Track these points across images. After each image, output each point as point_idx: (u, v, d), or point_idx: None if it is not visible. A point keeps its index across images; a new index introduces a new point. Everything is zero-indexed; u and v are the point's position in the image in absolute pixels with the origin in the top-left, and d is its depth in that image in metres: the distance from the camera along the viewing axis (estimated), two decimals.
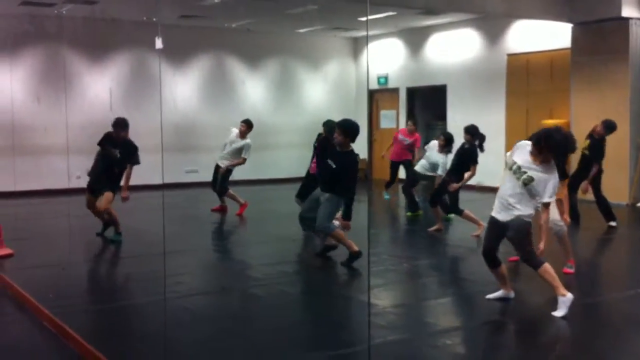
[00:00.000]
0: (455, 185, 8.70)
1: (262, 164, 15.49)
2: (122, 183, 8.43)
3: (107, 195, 8.36)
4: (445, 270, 7.47)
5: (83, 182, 13.32)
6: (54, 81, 14.05)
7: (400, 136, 12.18)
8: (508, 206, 5.35)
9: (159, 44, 5.26)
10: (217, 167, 11.05)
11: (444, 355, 4.63)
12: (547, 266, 5.35)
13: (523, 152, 5.33)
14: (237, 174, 16.01)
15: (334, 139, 7.14)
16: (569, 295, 5.25)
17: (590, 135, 9.35)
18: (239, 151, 10.95)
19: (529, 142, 5.32)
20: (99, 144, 8.57)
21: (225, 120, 15.88)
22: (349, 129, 7.05)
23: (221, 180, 10.89)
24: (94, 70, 14.58)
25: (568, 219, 6.79)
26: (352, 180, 7.06)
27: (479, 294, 6.06)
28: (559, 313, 5.24)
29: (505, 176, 5.40)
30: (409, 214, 10.71)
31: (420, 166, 10.30)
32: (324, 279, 6.95)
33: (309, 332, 5.18)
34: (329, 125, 8.27)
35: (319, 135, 9.35)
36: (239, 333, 5.03)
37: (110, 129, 8.55)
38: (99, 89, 14.57)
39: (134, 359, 4.50)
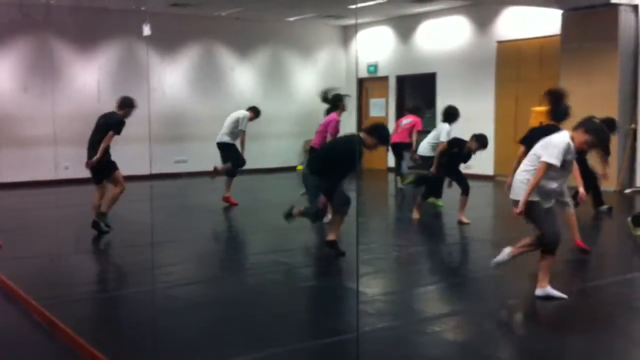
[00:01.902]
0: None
1: (251, 153, 15.36)
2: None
3: (118, 173, 8.31)
4: (436, 257, 7.48)
5: (71, 173, 13.35)
6: (41, 71, 13.93)
7: (402, 121, 12.44)
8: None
9: (146, 30, 5.20)
10: (224, 144, 10.77)
11: (433, 341, 4.64)
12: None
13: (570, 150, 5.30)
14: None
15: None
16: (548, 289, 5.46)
17: None
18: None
19: (567, 137, 5.28)
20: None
21: (214, 110, 15.84)
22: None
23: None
24: (81, 60, 14.47)
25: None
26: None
27: (468, 281, 6.07)
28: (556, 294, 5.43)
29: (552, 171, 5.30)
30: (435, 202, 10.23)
31: (425, 147, 10.11)
32: (314, 268, 6.95)
33: (299, 321, 5.17)
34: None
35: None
36: (229, 322, 5.03)
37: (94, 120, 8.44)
38: (87, 79, 14.48)
39: (124, 349, 4.48)
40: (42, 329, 4.89)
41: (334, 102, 9.32)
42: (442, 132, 9.62)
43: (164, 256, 7.17)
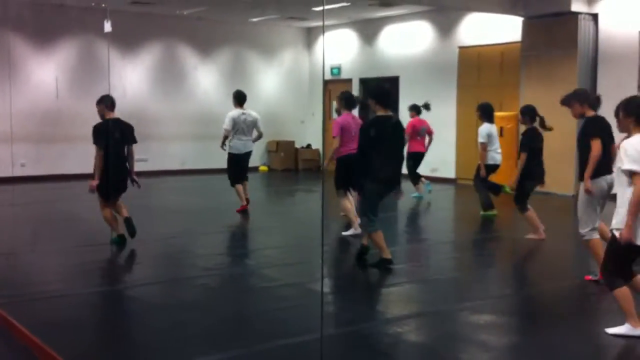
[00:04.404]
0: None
1: (216, 153, 15.28)
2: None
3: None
4: (401, 259, 7.47)
5: (28, 170, 13.05)
6: None
7: (420, 128, 11.63)
8: None
9: (107, 27, 5.11)
10: (237, 156, 10.11)
11: (395, 343, 4.64)
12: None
13: None
14: (192, 164, 15.81)
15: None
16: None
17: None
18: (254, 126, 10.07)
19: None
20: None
21: (176, 109, 15.72)
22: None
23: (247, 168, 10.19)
24: (40, 56, 14.17)
25: None
26: None
27: (431, 282, 6.08)
28: (612, 330, 4.71)
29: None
30: (482, 213, 9.67)
31: (493, 158, 9.54)
32: (276, 269, 6.88)
33: (261, 322, 5.11)
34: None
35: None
36: (190, 323, 4.95)
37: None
38: (45, 76, 14.18)
39: (81, 350, 4.37)
40: None
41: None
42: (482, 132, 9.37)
43: (122, 256, 7.04)
